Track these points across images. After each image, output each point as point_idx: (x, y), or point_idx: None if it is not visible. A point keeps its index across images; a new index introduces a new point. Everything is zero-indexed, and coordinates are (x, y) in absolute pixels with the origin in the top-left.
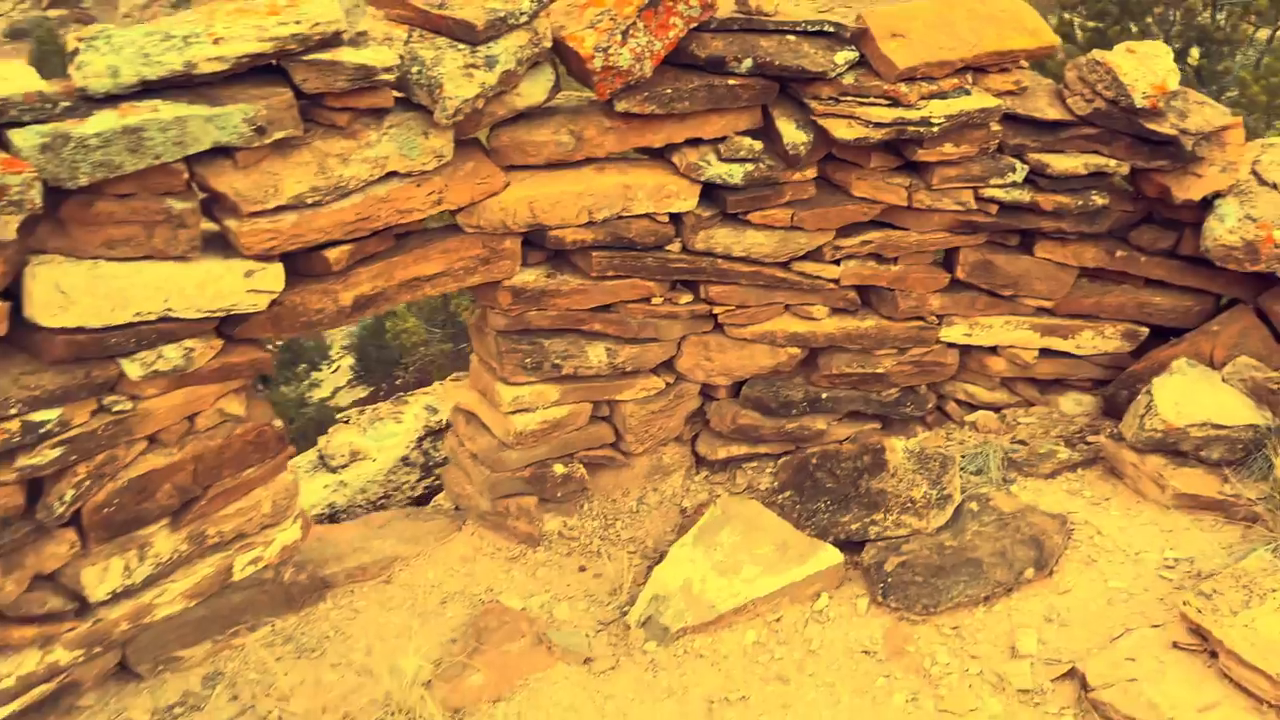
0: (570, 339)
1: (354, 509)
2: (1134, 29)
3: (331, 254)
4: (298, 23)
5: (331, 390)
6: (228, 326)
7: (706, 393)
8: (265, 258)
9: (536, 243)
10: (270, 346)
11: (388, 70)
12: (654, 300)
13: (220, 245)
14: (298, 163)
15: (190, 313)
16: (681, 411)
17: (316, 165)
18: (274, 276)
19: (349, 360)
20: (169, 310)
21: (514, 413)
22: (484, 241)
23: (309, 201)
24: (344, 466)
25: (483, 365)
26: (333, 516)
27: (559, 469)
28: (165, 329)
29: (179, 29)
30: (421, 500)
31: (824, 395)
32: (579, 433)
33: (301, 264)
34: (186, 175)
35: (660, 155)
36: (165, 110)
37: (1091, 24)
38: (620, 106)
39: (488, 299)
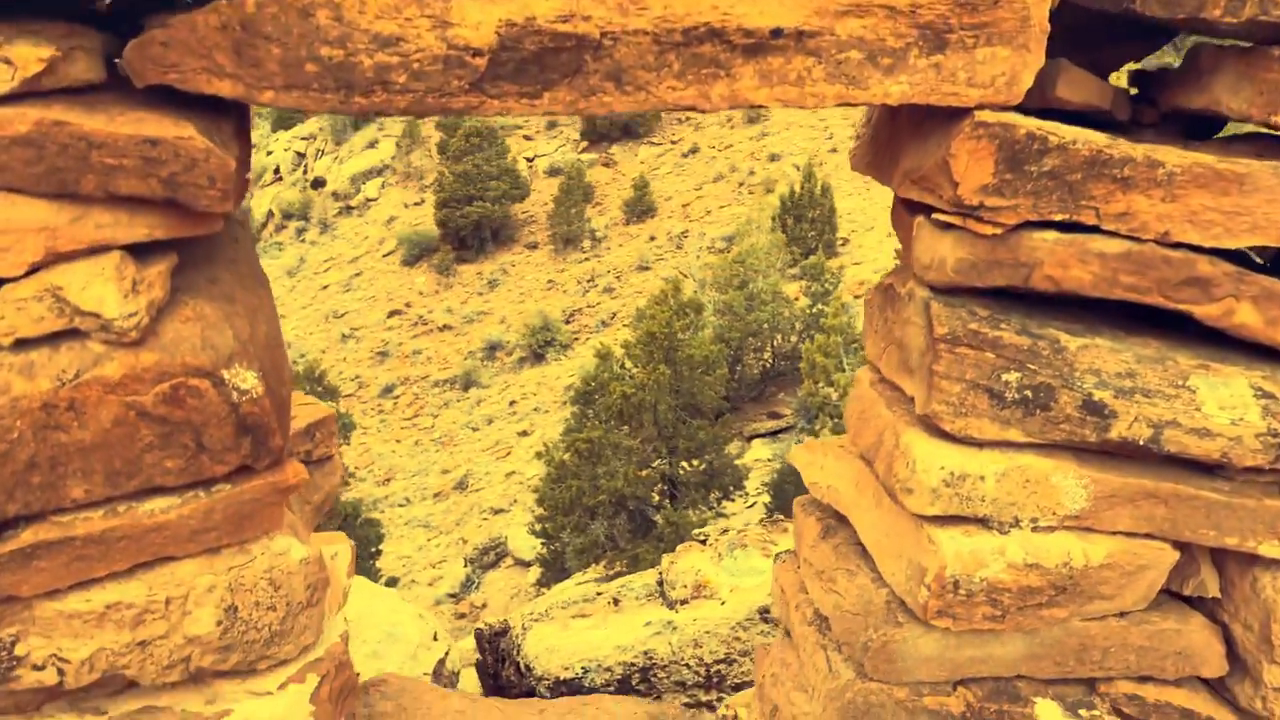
0: (1150, 335)
1: (676, 666)
2: None
3: None
4: None
5: (742, 525)
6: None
7: None
8: None
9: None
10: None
11: None
12: None
13: None
14: None
15: None
16: None
17: None
18: None
19: (765, 498)
20: None
21: (944, 523)
22: None
23: None
24: (683, 603)
25: (876, 386)
26: (645, 672)
27: (1046, 711)
28: None
29: None
30: None
31: None
32: (1109, 628)
33: None
34: None
35: None
36: None
37: None
38: None
39: (924, 170)
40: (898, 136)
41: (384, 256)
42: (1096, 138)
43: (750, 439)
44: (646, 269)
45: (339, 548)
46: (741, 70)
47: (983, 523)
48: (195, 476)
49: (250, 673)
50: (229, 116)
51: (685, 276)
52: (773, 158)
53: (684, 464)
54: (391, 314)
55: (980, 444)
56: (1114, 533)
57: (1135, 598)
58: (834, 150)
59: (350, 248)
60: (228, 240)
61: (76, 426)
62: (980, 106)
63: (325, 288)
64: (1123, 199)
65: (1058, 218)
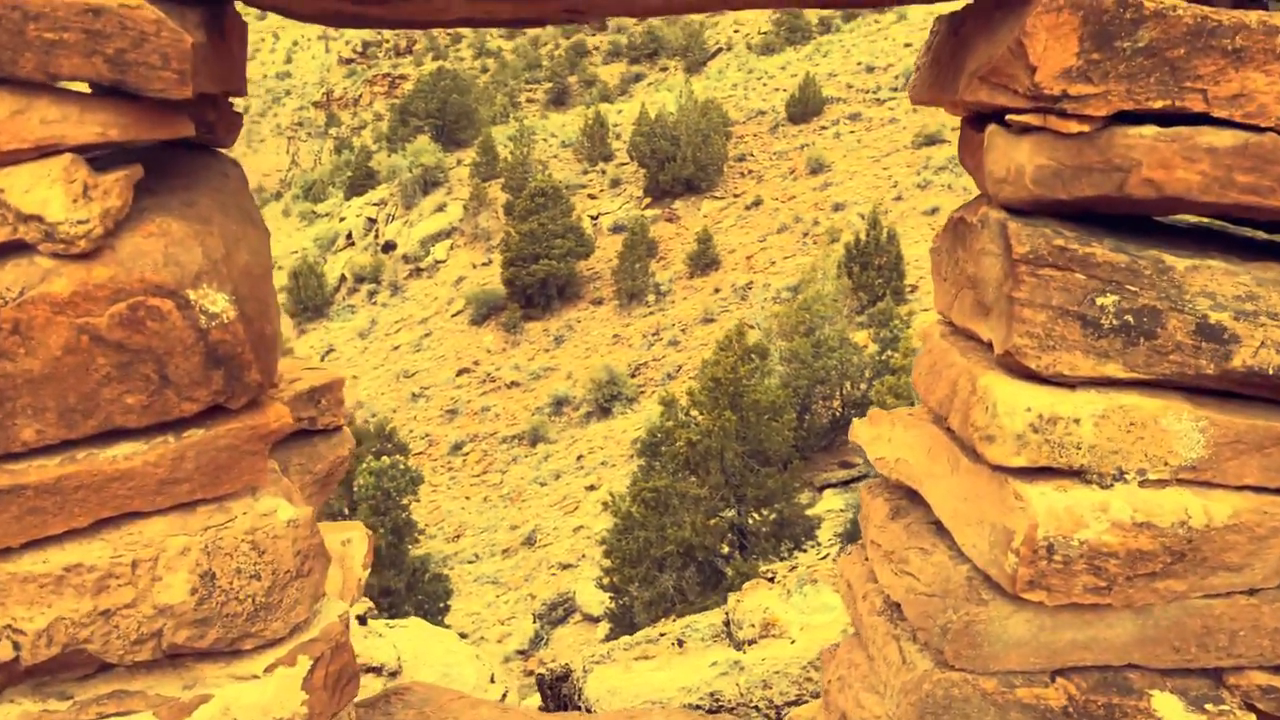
0: None
1: (745, 708)
2: None
3: None
4: None
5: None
6: None
7: None
8: None
9: None
10: None
11: None
12: None
13: None
14: None
15: None
16: None
17: None
18: None
19: (838, 549)
20: None
21: (1033, 476)
22: None
23: None
24: (750, 643)
25: (948, 338)
26: (712, 715)
27: (1165, 705)
28: None
29: None
30: None
31: None
32: (1237, 607)
33: None
34: None
35: None
36: None
37: None
38: None
39: (995, 60)
40: (963, 48)
41: (453, 316)
42: (1198, 6)
43: (821, 489)
44: (711, 321)
45: (353, 534)
46: None
47: (1079, 475)
48: (161, 416)
49: (233, 653)
50: (195, 7)
51: (752, 327)
52: (836, 207)
53: (753, 513)
54: (460, 372)
55: (1073, 383)
56: (1239, 487)
57: (1267, 570)
58: (899, 198)
59: (420, 309)
60: (215, 173)
61: (24, 354)
62: None
63: (396, 348)
64: (1235, 77)
65: (1157, 105)
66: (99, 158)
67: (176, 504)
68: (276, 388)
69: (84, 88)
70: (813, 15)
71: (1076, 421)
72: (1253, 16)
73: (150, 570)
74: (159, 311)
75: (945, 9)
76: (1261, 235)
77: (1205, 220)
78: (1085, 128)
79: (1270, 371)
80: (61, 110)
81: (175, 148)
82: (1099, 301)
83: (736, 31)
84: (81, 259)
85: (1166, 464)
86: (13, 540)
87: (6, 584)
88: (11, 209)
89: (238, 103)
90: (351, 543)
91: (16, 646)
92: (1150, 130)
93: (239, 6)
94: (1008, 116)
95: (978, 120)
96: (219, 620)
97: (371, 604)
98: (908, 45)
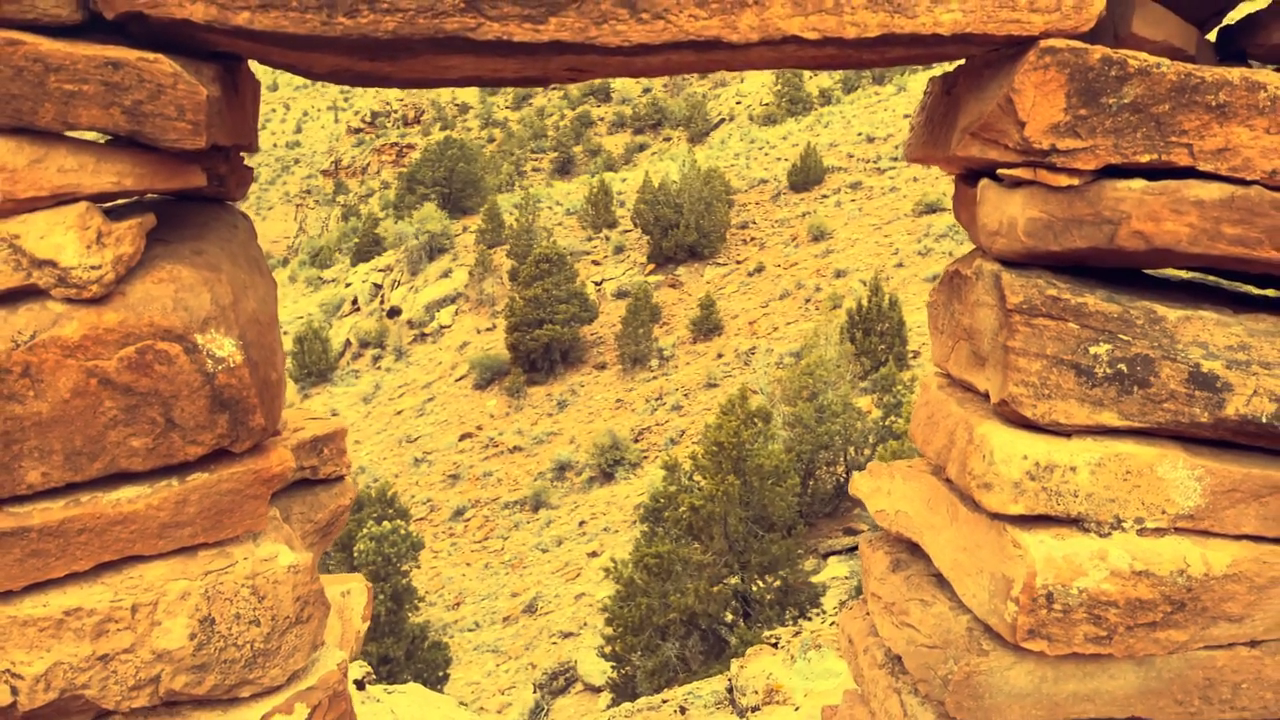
0: None
1: None
2: None
3: None
4: None
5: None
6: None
7: None
8: None
9: None
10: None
11: None
12: None
13: None
14: None
15: None
16: None
17: None
18: None
19: None
20: None
21: (1031, 524)
22: None
23: None
24: (754, 710)
25: (945, 389)
26: None
27: None
28: None
29: None
30: None
31: None
32: (1239, 659)
33: None
34: None
35: None
36: None
37: None
38: None
39: (985, 116)
40: (955, 106)
41: (456, 381)
42: (1181, 64)
43: (826, 556)
44: (715, 386)
45: (353, 585)
46: None
47: (1077, 524)
48: (166, 459)
49: (230, 701)
50: (210, 63)
51: (755, 392)
52: (838, 274)
53: (757, 580)
54: (463, 437)
55: (1069, 431)
56: (1238, 536)
57: (1269, 622)
58: (900, 265)
59: (424, 373)
60: (225, 224)
61: (33, 397)
62: (1045, 35)
63: (399, 413)
64: (1220, 132)
65: (1144, 159)
66: (115, 208)
67: (178, 548)
68: (280, 435)
69: (100, 137)
70: (813, 87)
71: (1073, 469)
72: (1235, 73)
73: (150, 615)
74: (167, 355)
75: (938, 71)
76: (1255, 290)
77: (1198, 276)
78: (1075, 181)
79: (1264, 420)
80: (78, 159)
81: (187, 200)
82: (1092, 350)
83: (739, 103)
84: (93, 304)
85: (1164, 512)
86: (14, 583)
87: (6, 627)
88: (26, 254)
89: (249, 161)
90: (351, 594)
91: (14, 691)
92: (1139, 184)
93: (253, 65)
94: (999, 171)
95: (970, 176)
96: (217, 666)
97: (369, 669)
98: (907, 116)
